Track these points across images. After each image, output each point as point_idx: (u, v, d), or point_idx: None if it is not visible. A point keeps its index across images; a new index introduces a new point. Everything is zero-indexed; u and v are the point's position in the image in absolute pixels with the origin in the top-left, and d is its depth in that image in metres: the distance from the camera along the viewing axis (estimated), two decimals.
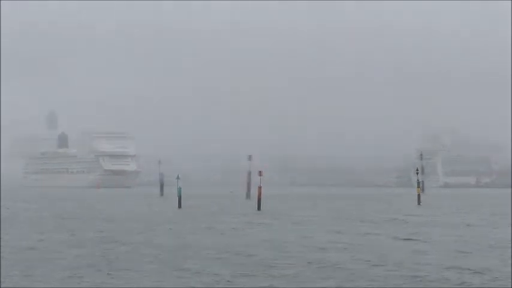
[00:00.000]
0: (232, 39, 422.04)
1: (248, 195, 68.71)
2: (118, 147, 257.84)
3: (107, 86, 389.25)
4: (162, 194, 73.43)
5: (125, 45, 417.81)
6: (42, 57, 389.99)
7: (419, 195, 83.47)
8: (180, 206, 74.33)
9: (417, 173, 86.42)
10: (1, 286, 20.81)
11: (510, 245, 32.27)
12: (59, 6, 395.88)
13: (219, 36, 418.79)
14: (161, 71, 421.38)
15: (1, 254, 29.06)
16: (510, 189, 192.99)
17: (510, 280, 21.12)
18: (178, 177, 78.83)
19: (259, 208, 69.69)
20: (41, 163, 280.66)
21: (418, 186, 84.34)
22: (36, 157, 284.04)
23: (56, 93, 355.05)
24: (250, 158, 69.32)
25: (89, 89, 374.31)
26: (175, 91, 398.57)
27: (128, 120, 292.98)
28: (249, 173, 69.35)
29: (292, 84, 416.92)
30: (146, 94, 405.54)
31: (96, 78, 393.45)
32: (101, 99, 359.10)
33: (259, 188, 71.47)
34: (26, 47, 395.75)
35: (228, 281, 21.77)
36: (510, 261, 25.92)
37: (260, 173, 71.59)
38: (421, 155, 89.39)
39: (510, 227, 43.64)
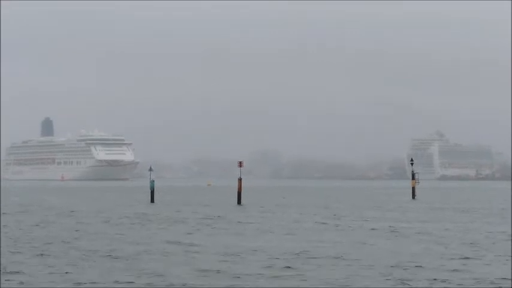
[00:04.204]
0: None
1: (239, 201, 66.93)
2: (112, 134, 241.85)
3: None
4: (152, 201, 70.23)
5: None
6: None
7: (413, 188, 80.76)
8: (152, 200, 71.76)
9: (412, 164, 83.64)
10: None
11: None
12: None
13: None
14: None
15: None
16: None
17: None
18: (151, 169, 74.95)
19: (239, 202, 67.39)
20: (23, 153, 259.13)
21: (413, 179, 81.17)
22: (17, 146, 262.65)
23: None
24: (241, 164, 67.33)
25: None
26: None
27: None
28: (240, 179, 67.28)
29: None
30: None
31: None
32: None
33: (240, 180, 68.22)
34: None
35: None
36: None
37: (240, 164, 68.05)
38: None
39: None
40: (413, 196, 79.93)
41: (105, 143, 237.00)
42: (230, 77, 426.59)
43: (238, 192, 68.44)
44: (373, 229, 38.91)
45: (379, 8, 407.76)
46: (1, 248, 29.06)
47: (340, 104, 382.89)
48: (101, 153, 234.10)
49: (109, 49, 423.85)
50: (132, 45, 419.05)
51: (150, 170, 74.75)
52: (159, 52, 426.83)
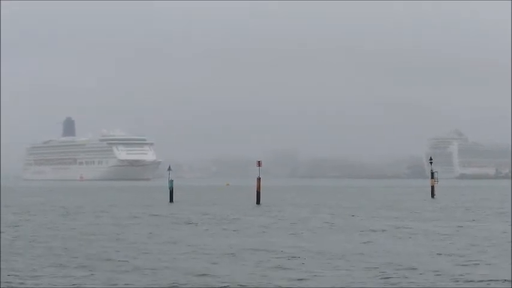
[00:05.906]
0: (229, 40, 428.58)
1: (258, 201, 66.99)
2: (133, 134, 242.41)
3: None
4: (171, 201, 70.68)
5: None
6: None
7: (433, 187, 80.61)
8: (171, 200, 72.23)
9: (431, 163, 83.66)
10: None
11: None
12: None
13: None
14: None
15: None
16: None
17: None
18: (169, 169, 75.31)
19: (258, 202, 67.53)
20: (44, 153, 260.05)
21: (432, 177, 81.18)
22: (37, 146, 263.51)
23: None
24: (259, 163, 67.37)
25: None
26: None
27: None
28: (259, 179, 67.27)
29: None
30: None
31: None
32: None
33: (259, 179, 68.20)
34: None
35: None
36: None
37: (259, 163, 67.90)
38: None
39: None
40: (433, 195, 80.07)
41: (126, 142, 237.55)
42: (230, 77, 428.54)
43: (257, 191, 68.44)
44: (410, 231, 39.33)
45: (379, 8, 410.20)
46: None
47: (340, 103, 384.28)
48: (123, 153, 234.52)
49: (111, 49, 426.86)
50: (135, 45, 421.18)
51: (169, 169, 75.13)
52: (162, 52, 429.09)
